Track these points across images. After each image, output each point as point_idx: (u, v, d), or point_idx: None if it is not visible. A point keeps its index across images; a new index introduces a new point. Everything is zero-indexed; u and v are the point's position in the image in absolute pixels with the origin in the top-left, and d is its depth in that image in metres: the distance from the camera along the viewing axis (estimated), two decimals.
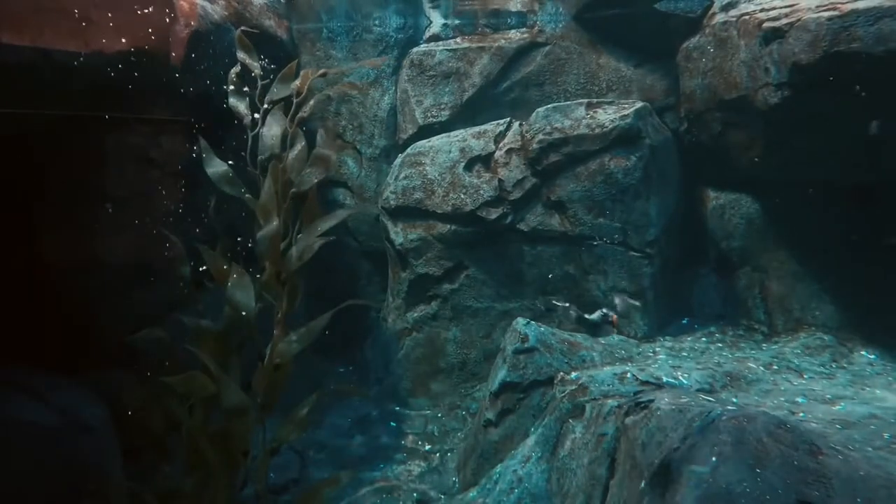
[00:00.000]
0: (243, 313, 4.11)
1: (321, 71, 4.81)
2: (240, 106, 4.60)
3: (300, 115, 4.61)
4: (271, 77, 4.86)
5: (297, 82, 4.69)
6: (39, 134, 4.02)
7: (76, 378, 4.05)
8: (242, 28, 4.75)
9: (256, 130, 4.58)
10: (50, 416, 3.80)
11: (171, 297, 4.38)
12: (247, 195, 4.46)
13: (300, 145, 4.56)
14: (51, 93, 3.98)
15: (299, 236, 4.46)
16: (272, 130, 4.49)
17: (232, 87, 4.61)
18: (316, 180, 4.50)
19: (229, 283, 4.15)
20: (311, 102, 4.66)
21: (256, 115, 4.64)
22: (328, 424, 5.95)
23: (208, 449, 3.95)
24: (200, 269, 4.33)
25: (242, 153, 4.54)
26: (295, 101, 4.63)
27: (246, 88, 4.69)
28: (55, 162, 4.10)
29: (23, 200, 4.02)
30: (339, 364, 6.67)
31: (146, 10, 4.52)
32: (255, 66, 4.65)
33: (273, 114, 4.55)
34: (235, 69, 4.64)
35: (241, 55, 4.67)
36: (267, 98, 4.66)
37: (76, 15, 4.09)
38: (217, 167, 4.45)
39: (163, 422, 4.07)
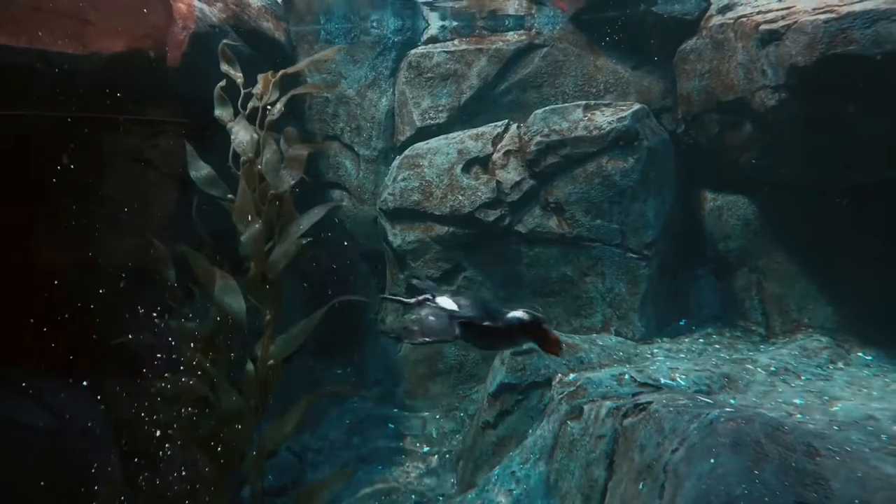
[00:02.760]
0: (232, 316, 4.11)
1: (281, 72, 4.78)
2: (224, 114, 4.60)
3: (269, 117, 4.60)
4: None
5: (259, 85, 4.68)
6: (36, 135, 4.02)
7: (74, 380, 4.04)
8: (224, 42, 4.72)
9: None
10: (48, 419, 3.79)
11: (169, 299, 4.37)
12: (230, 197, 4.46)
13: (272, 148, 4.56)
14: (47, 94, 3.98)
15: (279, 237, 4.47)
16: (240, 136, 4.50)
17: (217, 99, 4.61)
18: (293, 181, 4.50)
19: (216, 286, 4.14)
20: (279, 106, 4.64)
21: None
22: (327, 426, 5.95)
23: (203, 452, 3.95)
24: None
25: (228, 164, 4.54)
26: (260, 104, 4.62)
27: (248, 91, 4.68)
28: (52, 163, 4.09)
29: (20, 202, 4.02)
30: (338, 366, 6.67)
31: (144, 12, 4.52)
32: (238, 77, 4.65)
33: (239, 120, 4.55)
34: (221, 83, 4.64)
35: (224, 67, 4.65)
36: (249, 105, 4.64)
37: (74, 16, 4.09)
38: (201, 170, 4.46)
39: (156, 425, 4.06)
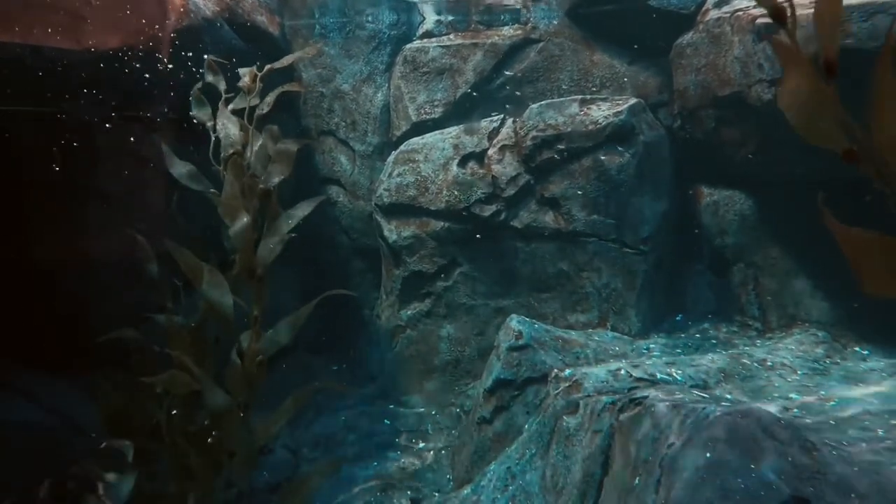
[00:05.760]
0: (220, 311, 4.08)
1: (267, 67, 4.75)
2: (202, 114, 4.58)
3: (258, 112, 4.57)
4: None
5: (246, 79, 4.64)
6: (30, 131, 4.00)
7: (68, 378, 4.02)
8: (210, 57, 4.69)
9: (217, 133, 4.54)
10: (41, 416, 3.78)
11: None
12: (213, 191, 4.43)
13: (260, 142, 4.54)
14: (41, 89, 3.96)
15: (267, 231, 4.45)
16: (227, 128, 4.47)
17: (195, 99, 4.58)
18: (282, 176, 4.48)
19: (204, 282, 4.12)
20: (269, 99, 4.61)
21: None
22: (322, 423, 5.93)
23: (192, 449, 3.93)
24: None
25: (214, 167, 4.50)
26: (248, 98, 4.58)
27: (230, 95, 4.64)
28: (46, 159, 4.07)
29: (12, 198, 4.00)
30: (333, 362, 6.66)
31: (138, 7, 4.50)
32: (222, 85, 4.62)
33: (223, 114, 4.52)
34: (198, 86, 4.61)
35: (208, 77, 4.63)
36: (231, 106, 4.61)
37: (67, 12, 4.07)
38: (180, 167, 4.44)
39: (146, 423, 4.04)
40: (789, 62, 1.11)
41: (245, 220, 4.31)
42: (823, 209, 1.07)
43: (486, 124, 6.13)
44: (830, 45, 1.07)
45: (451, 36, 6.81)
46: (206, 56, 4.71)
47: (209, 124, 4.53)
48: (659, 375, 4.60)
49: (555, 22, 6.65)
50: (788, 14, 1.14)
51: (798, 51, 1.12)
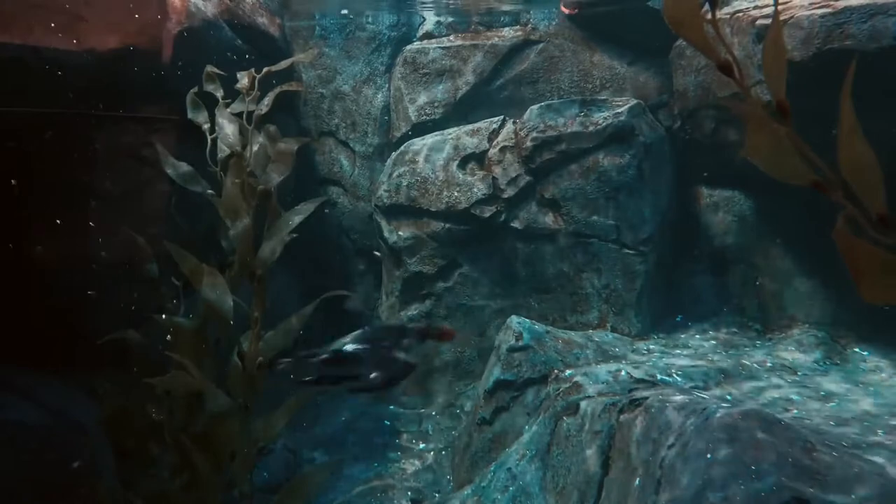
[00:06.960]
0: (219, 313, 4.08)
1: (265, 69, 4.75)
2: (198, 117, 4.57)
3: (257, 112, 4.57)
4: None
5: (245, 81, 4.64)
6: (29, 132, 4.00)
7: (67, 377, 4.02)
8: (209, 67, 4.68)
9: (215, 135, 4.53)
10: (41, 416, 3.77)
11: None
12: (210, 192, 4.43)
13: (260, 142, 4.53)
14: (41, 90, 3.96)
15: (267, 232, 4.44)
16: (226, 129, 4.46)
17: (191, 102, 4.57)
18: (281, 176, 4.47)
19: (204, 283, 4.11)
20: (267, 101, 4.61)
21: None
22: (322, 423, 5.93)
23: (193, 450, 3.93)
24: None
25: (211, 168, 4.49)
26: (247, 101, 4.58)
27: (228, 100, 4.62)
28: (45, 160, 4.07)
29: (12, 199, 3.99)
30: None
31: (137, 7, 4.49)
32: (219, 92, 4.62)
33: (222, 115, 4.51)
34: (194, 89, 4.61)
35: (207, 86, 4.62)
36: (231, 108, 4.60)
37: (67, 12, 4.07)
38: (177, 167, 4.43)
39: (148, 423, 4.04)
40: (749, 114, 1.16)
41: (245, 220, 4.30)
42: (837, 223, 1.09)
43: (486, 125, 6.13)
44: (779, 91, 1.13)
45: (451, 37, 6.82)
46: (206, 55, 4.70)
47: (206, 126, 4.53)
48: (659, 376, 4.61)
49: (554, 23, 6.66)
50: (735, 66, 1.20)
51: (755, 102, 1.17)
